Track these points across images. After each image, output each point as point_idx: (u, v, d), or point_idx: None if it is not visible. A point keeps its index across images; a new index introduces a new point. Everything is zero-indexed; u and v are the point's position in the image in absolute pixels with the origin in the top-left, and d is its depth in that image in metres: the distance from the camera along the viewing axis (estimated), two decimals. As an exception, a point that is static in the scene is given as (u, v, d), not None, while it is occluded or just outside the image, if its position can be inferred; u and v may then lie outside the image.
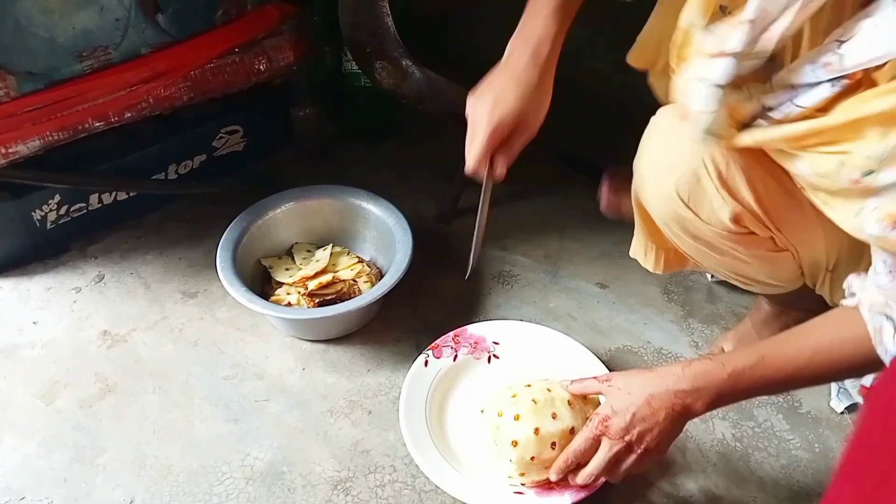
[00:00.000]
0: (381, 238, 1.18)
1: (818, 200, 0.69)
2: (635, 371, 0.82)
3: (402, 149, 1.47)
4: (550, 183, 1.33)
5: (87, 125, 1.09)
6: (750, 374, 0.73)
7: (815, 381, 0.77)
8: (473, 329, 1.08)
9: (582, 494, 0.87)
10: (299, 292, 1.11)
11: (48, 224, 1.18)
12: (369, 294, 1.05)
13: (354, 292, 1.12)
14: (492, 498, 0.88)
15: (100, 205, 1.22)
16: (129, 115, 1.13)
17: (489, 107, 0.76)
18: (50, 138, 1.06)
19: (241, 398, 1.03)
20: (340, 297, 1.11)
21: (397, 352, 1.09)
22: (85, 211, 1.22)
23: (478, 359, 1.05)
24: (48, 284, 1.18)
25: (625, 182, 0.97)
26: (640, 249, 0.98)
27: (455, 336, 1.07)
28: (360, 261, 1.18)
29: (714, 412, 1.01)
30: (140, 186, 1.25)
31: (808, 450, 0.98)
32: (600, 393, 0.83)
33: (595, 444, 0.80)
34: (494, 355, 1.06)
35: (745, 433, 1.00)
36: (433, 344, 1.05)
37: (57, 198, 1.17)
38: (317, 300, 1.10)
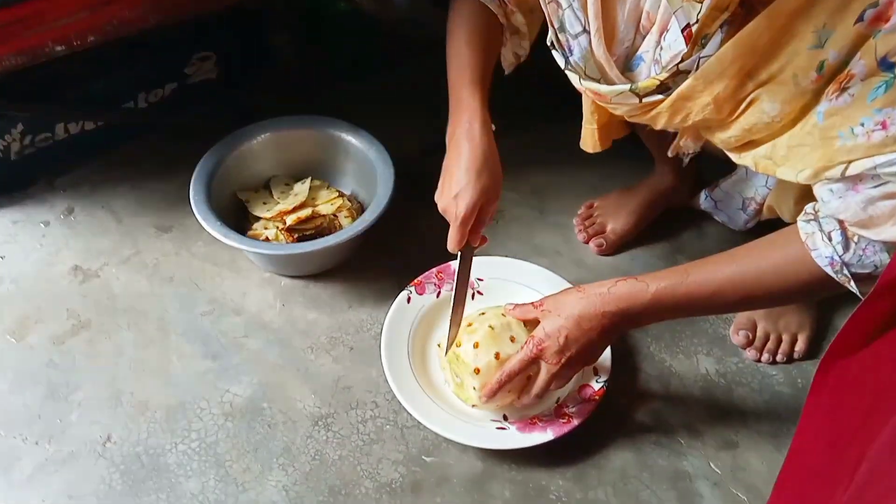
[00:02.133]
0: (362, 171, 1.14)
1: (753, 162, 0.70)
2: (564, 292, 0.85)
3: (385, 81, 1.40)
4: (537, 116, 1.29)
5: (47, 49, 1.02)
6: (673, 293, 0.76)
7: (745, 300, 0.76)
8: (456, 264, 1.05)
9: (564, 429, 0.88)
10: (277, 227, 1.08)
11: (12, 154, 1.13)
12: (350, 229, 1.01)
13: (334, 227, 1.09)
14: (474, 433, 0.88)
15: (66, 135, 1.17)
16: (93, 38, 1.05)
17: (453, 199, 0.84)
18: (7, 62, 1.00)
19: (220, 334, 1.00)
20: (320, 233, 1.07)
21: (379, 288, 1.07)
22: (51, 141, 1.16)
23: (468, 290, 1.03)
24: (15, 218, 1.13)
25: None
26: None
27: (438, 272, 1.04)
28: (341, 195, 1.14)
29: (698, 350, 1.01)
30: (108, 115, 1.19)
31: (790, 385, 0.99)
32: (537, 318, 0.84)
33: (528, 365, 0.82)
34: (478, 291, 1.04)
35: (728, 369, 1.00)
36: (416, 280, 1.03)
37: (20, 127, 1.11)
38: (295, 235, 1.07)
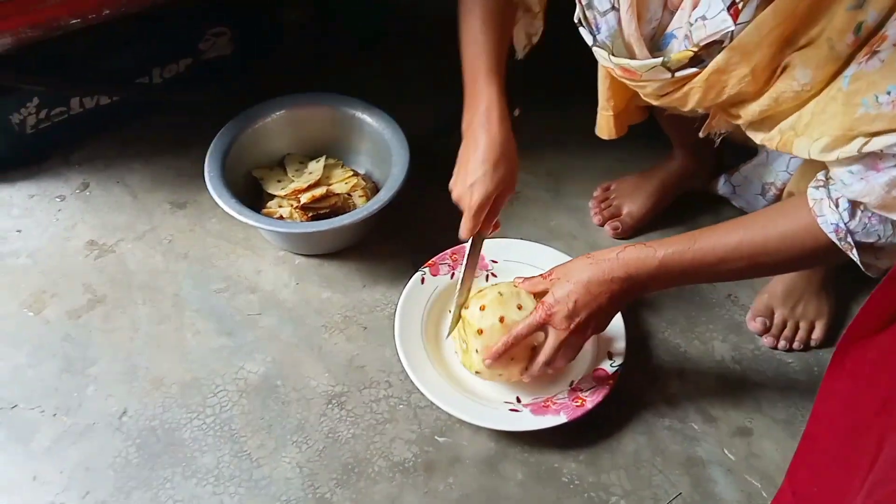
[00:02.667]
0: (377, 150, 1.13)
1: (778, 135, 0.69)
2: (574, 260, 0.84)
3: (399, 57, 1.39)
4: (553, 98, 1.27)
5: (61, 22, 1.01)
6: (681, 259, 0.76)
7: (753, 267, 0.76)
8: None
9: (578, 413, 0.87)
10: (292, 205, 1.07)
11: (28, 128, 1.12)
12: (365, 208, 1.01)
13: (349, 206, 1.09)
14: (487, 415, 0.88)
15: (81, 109, 1.16)
16: (108, 12, 1.05)
17: (468, 188, 0.84)
18: (22, 35, 0.99)
19: (234, 312, 1.01)
20: (334, 211, 1.07)
21: (393, 268, 1.07)
22: (66, 116, 1.15)
23: (475, 277, 1.02)
24: (31, 192, 1.13)
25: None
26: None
27: (452, 253, 1.04)
28: (355, 174, 1.13)
29: (714, 336, 1.01)
30: (122, 90, 1.19)
31: (806, 372, 0.98)
32: (546, 289, 0.84)
33: (536, 329, 0.82)
34: (492, 273, 1.03)
35: (744, 356, 0.99)
36: (430, 261, 1.02)
37: (35, 101, 1.10)
38: (310, 214, 1.07)
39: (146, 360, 0.95)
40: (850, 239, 0.68)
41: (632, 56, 0.73)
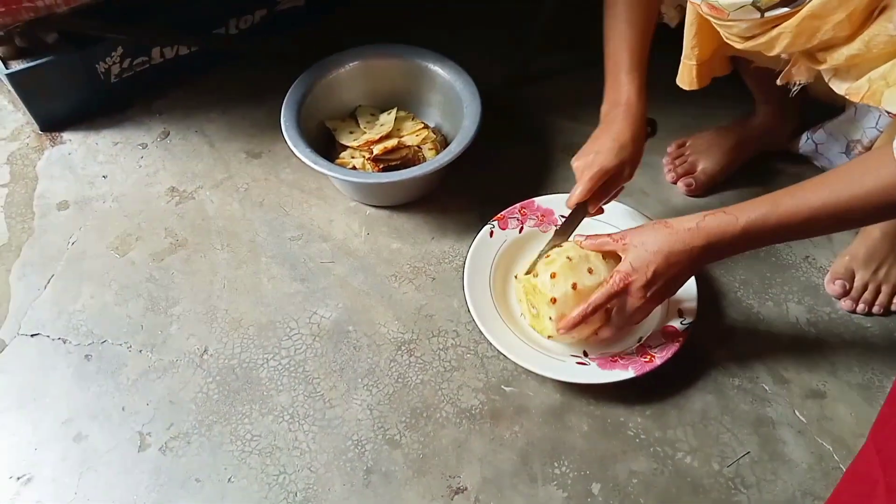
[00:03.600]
0: (448, 103, 1.13)
1: (867, 85, 0.66)
2: (649, 226, 0.82)
3: (469, 8, 1.38)
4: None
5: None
6: (764, 224, 0.74)
7: (838, 225, 0.75)
8: (541, 201, 1.04)
9: (646, 368, 0.87)
10: (364, 156, 1.09)
11: (112, 77, 1.17)
12: (436, 160, 1.01)
13: (419, 159, 1.09)
14: (555, 367, 0.89)
15: (162, 59, 1.20)
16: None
17: (590, 161, 0.89)
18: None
19: (307, 259, 1.04)
20: (405, 164, 1.08)
21: (461, 221, 1.07)
22: (148, 65, 1.19)
23: (544, 231, 1.02)
24: (115, 139, 1.18)
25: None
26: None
27: (522, 208, 1.04)
28: (426, 127, 1.13)
29: (789, 297, 0.98)
30: (200, 41, 1.21)
31: (885, 338, 0.95)
32: (615, 251, 0.84)
33: (613, 298, 0.82)
34: (563, 216, 1.02)
35: (820, 318, 0.97)
36: (499, 215, 1.03)
37: (119, 50, 1.14)
38: (381, 165, 1.08)
39: (225, 302, 0.99)
40: None
41: None
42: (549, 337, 0.89)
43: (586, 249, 0.87)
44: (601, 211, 0.94)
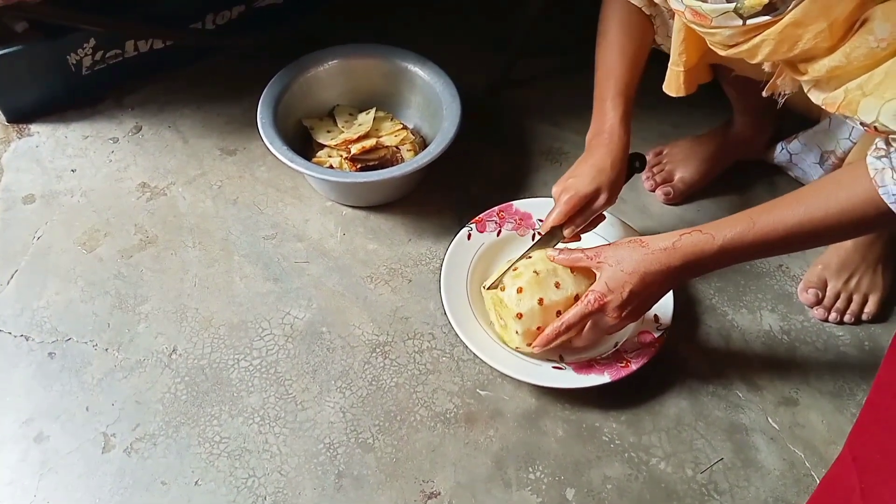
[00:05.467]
0: (427, 104, 1.12)
1: (842, 96, 0.66)
2: (624, 244, 0.82)
3: (451, 13, 1.37)
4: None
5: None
6: (741, 242, 0.75)
7: (813, 240, 0.75)
8: (519, 205, 1.04)
9: (622, 373, 0.87)
10: (341, 156, 1.07)
11: (83, 69, 1.14)
12: (415, 161, 1.00)
13: (397, 160, 1.08)
14: (531, 371, 0.88)
15: (135, 52, 1.17)
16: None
17: (567, 186, 0.89)
18: (83, -26, 1.00)
19: (281, 258, 1.02)
20: (383, 164, 1.07)
21: (439, 223, 1.06)
22: (121, 58, 1.16)
23: (522, 235, 1.02)
24: (85, 133, 1.15)
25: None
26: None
27: (500, 211, 1.03)
28: (405, 128, 1.13)
29: (762, 305, 0.99)
30: (176, 35, 1.19)
31: (856, 346, 0.96)
32: (588, 267, 0.84)
33: (587, 318, 0.82)
34: (539, 233, 1.03)
35: (793, 326, 0.98)
36: (477, 218, 1.02)
37: (92, 42, 1.11)
38: (359, 165, 1.07)
39: (195, 301, 0.97)
40: None
41: None
42: (516, 349, 0.89)
43: (559, 263, 0.87)
44: (578, 238, 0.93)
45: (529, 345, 0.86)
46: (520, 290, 0.85)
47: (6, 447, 0.84)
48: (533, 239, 1.00)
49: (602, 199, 0.89)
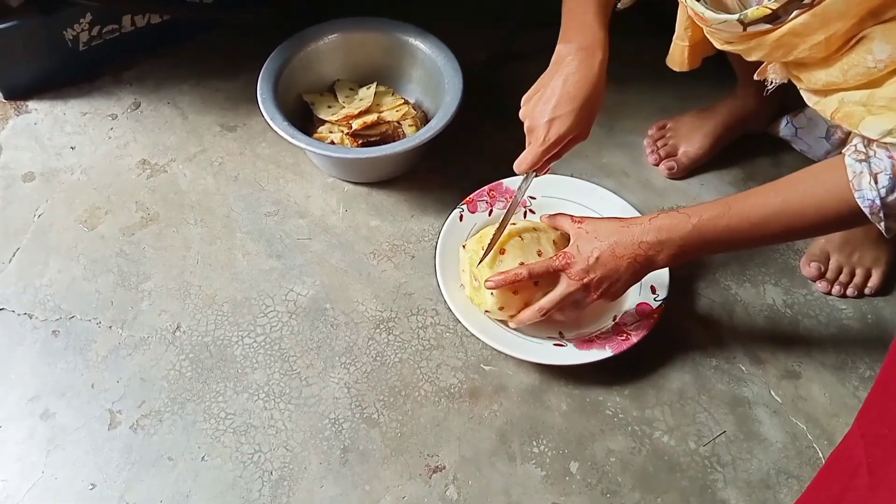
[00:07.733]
0: (429, 79, 1.11)
1: (837, 106, 0.66)
2: (606, 219, 0.83)
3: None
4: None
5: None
6: (715, 225, 0.74)
7: (787, 232, 0.74)
8: (509, 183, 1.03)
9: (623, 346, 0.87)
10: (342, 131, 1.06)
11: (80, 45, 1.12)
12: (416, 137, 1.00)
13: (399, 135, 1.07)
14: (532, 349, 0.88)
15: (133, 27, 1.15)
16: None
17: (546, 120, 0.81)
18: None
19: (284, 235, 1.01)
20: (385, 139, 1.06)
21: (441, 199, 1.06)
22: (118, 33, 1.15)
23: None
24: (83, 109, 1.14)
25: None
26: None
27: (490, 190, 1.02)
28: (406, 102, 1.11)
29: (766, 279, 0.99)
30: (173, 9, 1.17)
31: (859, 320, 0.96)
32: (567, 233, 0.84)
33: (551, 276, 0.82)
34: (531, 210, 1.02)
35: (796, 300, 0.98)
36: (468, 198, 1.01)
37: (88, 17, 1.10)
38: (360, 141, 1.06)
39: (198, 278, 0.97)
40: (881, 213, 0.66)
41: (717, 3, 0.70)
42: (486, 312, 0.89)
43: (544, 223, 0.88)
44: (549, 170, 0.89)
45: (502, 308, 0.86)
46: (502, 252, 0.87)
47: (13, 424, 0.84)
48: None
49: (583, 133, 0.83)
